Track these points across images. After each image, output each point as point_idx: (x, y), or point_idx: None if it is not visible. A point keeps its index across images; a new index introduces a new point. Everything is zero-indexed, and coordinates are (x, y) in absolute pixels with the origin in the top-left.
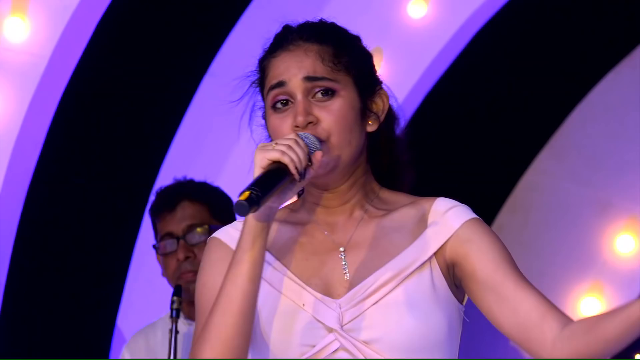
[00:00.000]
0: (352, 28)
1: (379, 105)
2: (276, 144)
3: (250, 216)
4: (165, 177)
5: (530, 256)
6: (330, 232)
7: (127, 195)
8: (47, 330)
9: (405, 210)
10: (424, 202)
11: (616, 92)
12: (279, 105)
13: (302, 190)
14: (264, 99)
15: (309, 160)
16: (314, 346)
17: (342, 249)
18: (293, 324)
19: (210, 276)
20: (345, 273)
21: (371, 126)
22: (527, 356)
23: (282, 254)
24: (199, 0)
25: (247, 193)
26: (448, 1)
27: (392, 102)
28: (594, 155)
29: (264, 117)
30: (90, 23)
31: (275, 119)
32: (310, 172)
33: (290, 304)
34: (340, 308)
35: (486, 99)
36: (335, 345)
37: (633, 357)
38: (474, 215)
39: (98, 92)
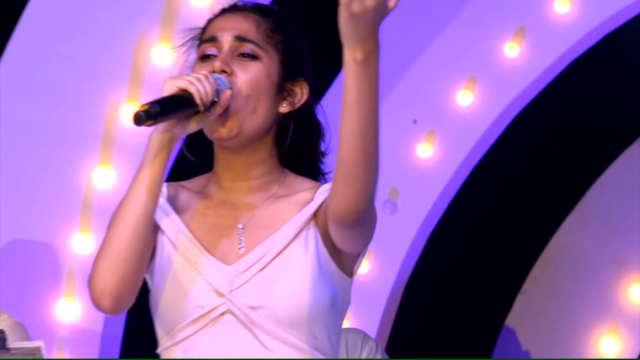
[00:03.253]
0: (408, 114)
1: (297, 93)
2: (187, 75)
3: (153, 136)
4: None
5: (558, 302)
6: (233, 209)
7: None
8: None
9: (304, 194)
10: (320, 185)
11: (631, 167)
12: (205, 57)
13: (212, 164)
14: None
15: (218, 96)
16: (203, 307)
17: (240, 226)
18: (189, 284)
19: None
20: (241, 247)
21: (284, 107)
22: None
23: (190, 220)
24: None
25: (146, 106)
26: (491, 90)
27: (320, 113)
28: (611, 220)
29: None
30: None
31: (197, 66)
32: (217, 109)
33: (188, 266)
34: (231, 274)
35: (524, 174)
36: (223, 308)
37: None
38: None
39: (199, 170)
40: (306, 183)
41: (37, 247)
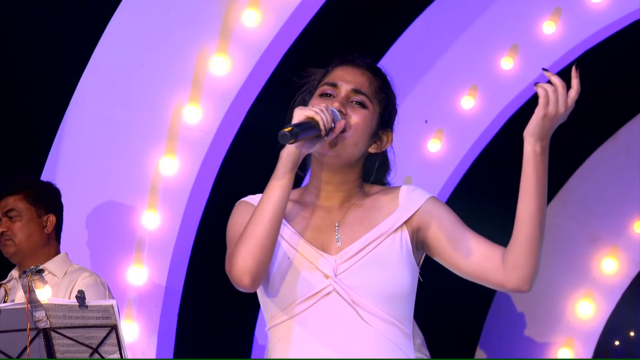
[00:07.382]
0: (421, 115)
1: (384, 139)
2: (312, 106)
3: (286, 150)
4: None
5: (543, 271)
6: (328, 212)
7: None
8: None
9: (379, 195)
10: (393, 189)
11: (603, 160)
12: (324, 95)
13: (307, 177)
14: (315, 86)
15: (334, 124)
16: (314, 287)
17: (337, 224)
18: (302, 270)
19: (240, 217)
20: (338, 241)
21: (372, 149)
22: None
23: (296, 224)
24: None
25: (289, 128)
26: (490, 96)
27: (391, 154)
28: (588, 204)
29: (303, 97)
30: (242, 110)
31: (318, 100)
32: (332, 135)
33: (300, 257)
34: (335, 262)
35: (515, 165)
36: (330, 288)
37: (628, 334)
38: (430, 194)
39: (248, 164)
40: (377, 187)
41: (113, 222)
